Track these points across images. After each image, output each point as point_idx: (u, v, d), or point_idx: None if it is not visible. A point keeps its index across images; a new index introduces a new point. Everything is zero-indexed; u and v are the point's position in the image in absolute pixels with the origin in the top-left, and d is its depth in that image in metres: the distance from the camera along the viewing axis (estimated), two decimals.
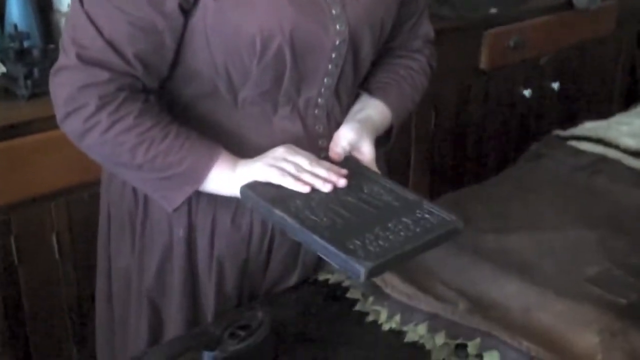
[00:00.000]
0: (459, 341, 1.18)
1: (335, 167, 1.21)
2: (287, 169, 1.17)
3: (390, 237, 1.08)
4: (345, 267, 1.04)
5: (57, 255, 1.88)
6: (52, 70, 1.17)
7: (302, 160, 1.18)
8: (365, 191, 1.19)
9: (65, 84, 1.14)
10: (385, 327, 1.25)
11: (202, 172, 1.18)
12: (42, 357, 1.94)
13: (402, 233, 1.09)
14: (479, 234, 1.50)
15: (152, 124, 1.16)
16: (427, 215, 1.13)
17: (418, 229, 1.10)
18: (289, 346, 1.20)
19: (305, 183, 1.16)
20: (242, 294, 1.35)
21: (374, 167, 1.28)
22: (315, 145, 1.29)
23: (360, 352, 1.20)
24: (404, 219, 1.12)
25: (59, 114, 1.16)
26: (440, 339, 1.19)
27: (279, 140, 1.24)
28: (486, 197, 1.72)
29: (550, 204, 1.65)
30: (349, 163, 1.26)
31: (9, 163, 1.74)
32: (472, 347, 1.16)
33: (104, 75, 1.12)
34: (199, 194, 1.24)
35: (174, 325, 1.35)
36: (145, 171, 1.17)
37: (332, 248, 1.04)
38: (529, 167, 1.92)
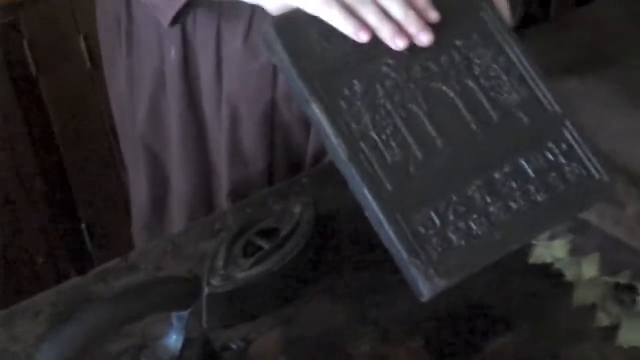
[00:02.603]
0: (621, 279, 0.70)
1: (424, 3, 0.64)
2: None
3: (491, 210, 0.60)
4: (403, 271, 0.59)
5: (88, 64, 1.57)
6: None
7: None
8: (476, 73, 0.65)
9: None
10: None
11: None
12: (81, 188, 1.69)
13: (512, 204, 0.61)
14: None
15: None
16: (562, 160, 0.63)
17: (539, 197, 0.62)
18: (339, 260, 0.77)
19: (363, 26, 0.62)
20: (272, 165, 0.90)
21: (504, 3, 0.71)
22: None
23: None
24: (523, 163, 0.62)
25: None
26: (589, 268, 0.72)
27: None
28: None
29: None
30: None
31: None
32: None
33: None
34: None
35: (178, 184, 0.99)
36: None
37: (391, 233, 0.58)
38: None
